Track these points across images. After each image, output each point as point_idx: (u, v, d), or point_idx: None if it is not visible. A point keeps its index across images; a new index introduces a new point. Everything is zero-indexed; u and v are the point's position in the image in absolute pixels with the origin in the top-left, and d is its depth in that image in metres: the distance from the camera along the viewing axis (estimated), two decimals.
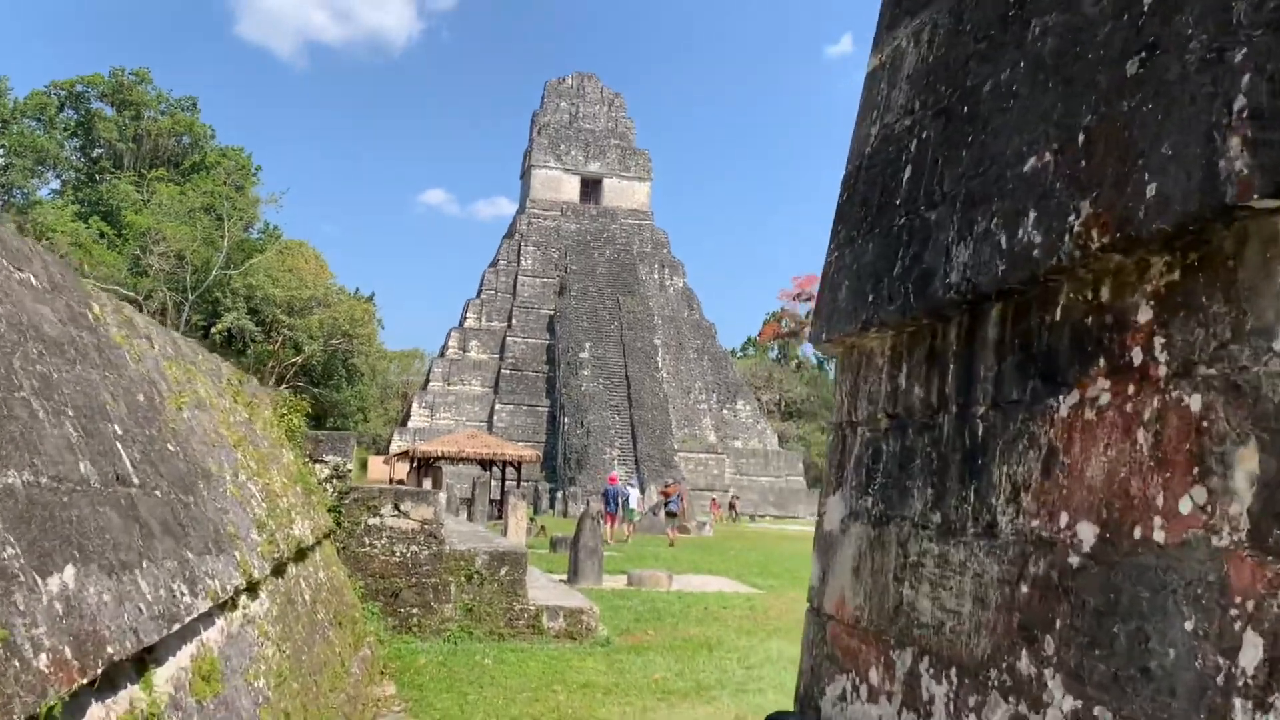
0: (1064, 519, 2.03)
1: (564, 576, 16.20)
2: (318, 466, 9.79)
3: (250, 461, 6.34)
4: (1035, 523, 2.12)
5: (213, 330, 60.18)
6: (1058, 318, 2.16)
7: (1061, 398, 2.10)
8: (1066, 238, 2.02)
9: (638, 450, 60.20)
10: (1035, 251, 2.13)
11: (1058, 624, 2.00)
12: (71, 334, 3.83)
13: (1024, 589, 2.12)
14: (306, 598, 7.02)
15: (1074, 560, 1.98)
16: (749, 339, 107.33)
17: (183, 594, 3.62)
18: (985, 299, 2.37)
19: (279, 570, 6.10)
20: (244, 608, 4.87)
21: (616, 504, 29.66)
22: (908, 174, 2.85)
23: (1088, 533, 1.95)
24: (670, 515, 30.80)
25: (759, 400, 79.22)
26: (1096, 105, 2.04)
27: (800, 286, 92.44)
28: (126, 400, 4.20)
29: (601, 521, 17.95)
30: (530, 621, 10.27)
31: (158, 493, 3.96)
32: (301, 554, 7.26)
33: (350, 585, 9.39)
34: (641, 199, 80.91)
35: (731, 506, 55.49)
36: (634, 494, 33.37)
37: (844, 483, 3.11)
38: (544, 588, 12.00)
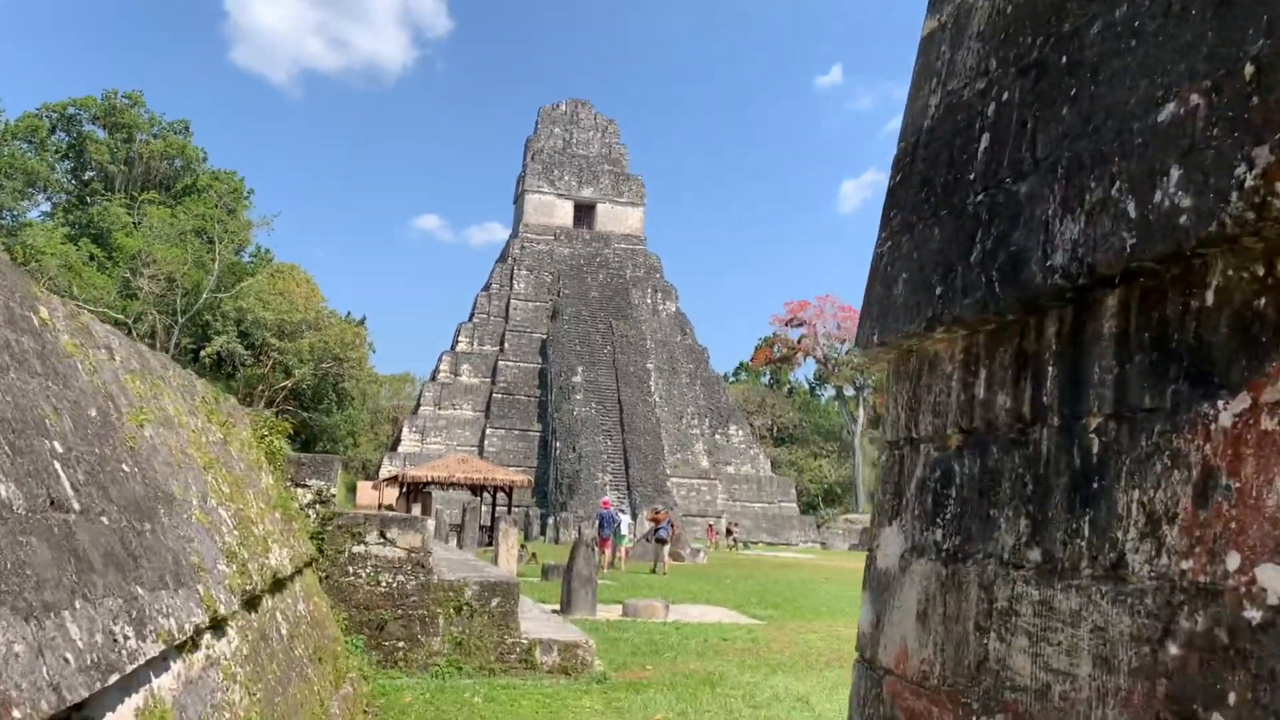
0: (1233, 560, 1.56)
1: (557, 606, 15.65)
2: (300, 491, 9.28)
3: (223, 485, 5.85)
4: (1187, 564, 1.66)
5: (202, 353, 59.61)
6: (1209, 302, 1.70)
7: (1222, 404, 1.63)
8: (1233, 196, 1.57)
9: (630, 475, 59.63)
10: (1182, 218, 1.68)
11: (1231, 698, 1.53)
12: (7, 337, 3.36)
13: (1173, 649, 1.65)
14: (283, 633, 6.51)
15: (1253, 615, 1.51)
16: (741, 364, 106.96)
17: (126, 638, 3.12)
18: (1103, 283, 1.91)
19: (251, 603, 5.61)
20: (207, 648, 4.37)
21: (611, 528, 29.12)
22: (984, 144, 2.40)
23: (1274, 579, 1.49)
24: (659, 542, 30.14)
25: (751, 425, 78.75)
26: (1270, 27, 1.59)
27: (792, 312, 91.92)
28: (73, 415, 3.71)
29: (596, 549, 17.44)
30: (522, 656, 9.73)
31: (104, 520, 3.47)
32: (279, 584, 6.76)
33: (333, 617, 8.87)
34: (634, 224, 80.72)
35: (729, 533, 54.57)
36: (624, 520, 32.82)
37: (903, 511, 2.64)
38: (536, 619, 11.47)
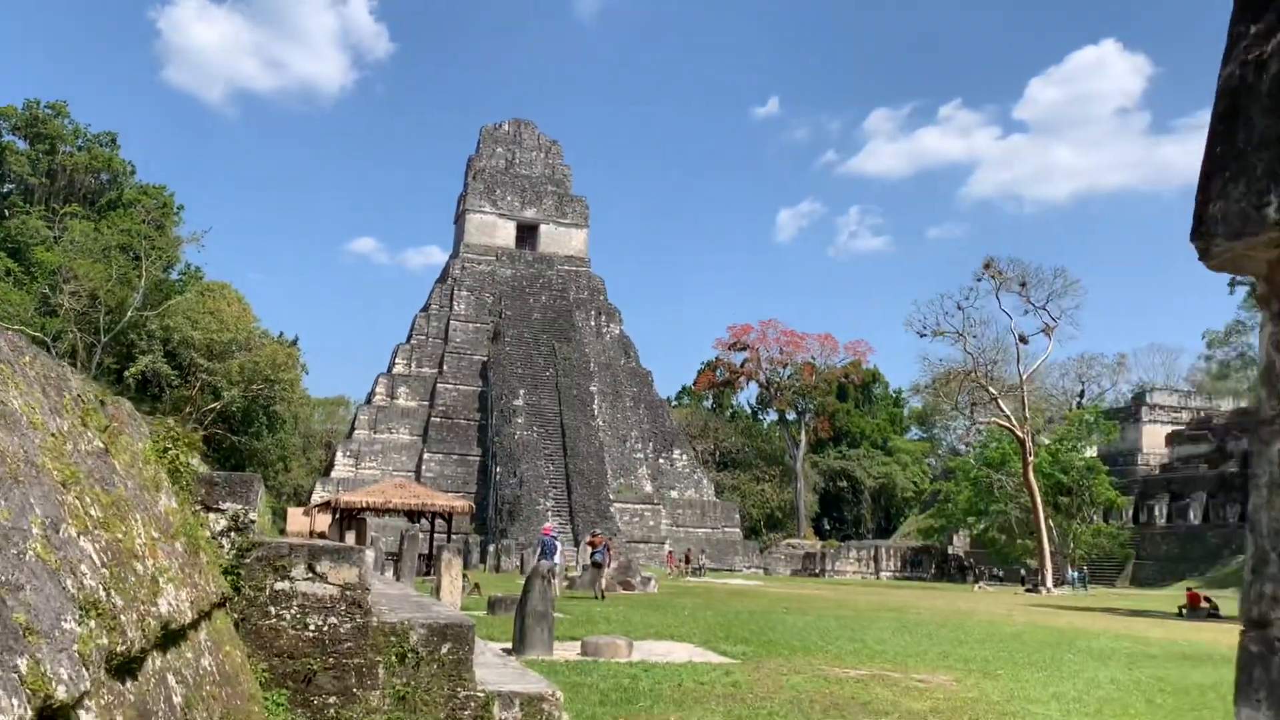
0: None
1: (508, 644, 14.15)
2: (212, 516, 7.75)
3: (90, 509, 4.36)
4: None
5: (127, 374, 56.93)
6: None
7: None
8: None
9: (572, 501, 58.07)
10: None
11: None
12: None
13: None
14: (176, 700, 5.01)
15: None
16: (684, 388, 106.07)
17: None
18: None
19: (125, 669, 4.13)
20: None
21: (551, 555, 28.07)
22: None
23: None
24: (596, 566, 29.44)
25: (694, 450, 77.65)
26: None
27: (735, 336, 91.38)
28: None
29: (551, 581, 16.02)
30: (478, 712, 8.26)
31: None
32: (173, 637, 5.26)
33: (249, 669, 7.34)
34: (578, 245, 79.46)
35: (687, 559, 53.50)
36: (557, 545, 31.82)
37: None
38: (491, 665, 9.99)
